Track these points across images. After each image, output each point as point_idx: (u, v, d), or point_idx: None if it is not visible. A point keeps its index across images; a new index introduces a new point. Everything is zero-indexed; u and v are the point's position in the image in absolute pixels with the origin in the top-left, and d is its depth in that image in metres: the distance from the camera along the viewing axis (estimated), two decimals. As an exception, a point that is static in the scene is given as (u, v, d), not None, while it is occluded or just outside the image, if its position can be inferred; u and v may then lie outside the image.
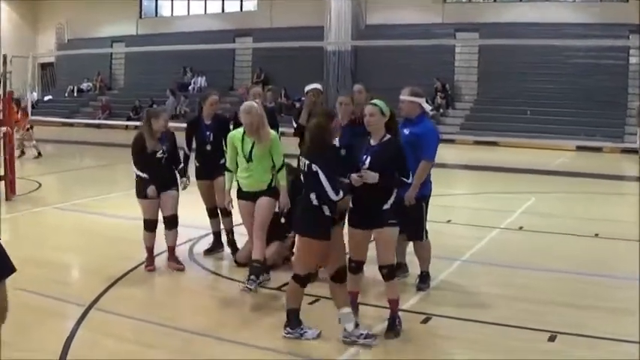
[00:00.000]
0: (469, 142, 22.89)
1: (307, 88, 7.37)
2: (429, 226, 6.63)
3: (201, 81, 31.26)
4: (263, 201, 6.45)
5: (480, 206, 11.79)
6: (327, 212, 5.01)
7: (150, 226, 7.14)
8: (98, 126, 29.58)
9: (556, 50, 24.85)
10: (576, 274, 7.31)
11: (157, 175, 7.01)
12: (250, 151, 6.37)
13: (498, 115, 24.38)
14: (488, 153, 20.88)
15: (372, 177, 5.08)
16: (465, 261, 7.77)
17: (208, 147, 7.50)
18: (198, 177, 7.70)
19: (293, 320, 5.30)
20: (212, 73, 31.05)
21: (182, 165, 7.34)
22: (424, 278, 6.65)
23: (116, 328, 5.48)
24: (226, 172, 6.61)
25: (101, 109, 31.23)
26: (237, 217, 6.92)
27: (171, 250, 7.25)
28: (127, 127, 27.52)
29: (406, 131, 6.20)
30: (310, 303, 6.19)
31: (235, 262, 7.31)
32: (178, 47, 27.30)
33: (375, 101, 5.34)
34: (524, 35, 24.23)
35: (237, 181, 6.52)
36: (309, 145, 5.20)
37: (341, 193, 5.01)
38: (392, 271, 5.32)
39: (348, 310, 5.21)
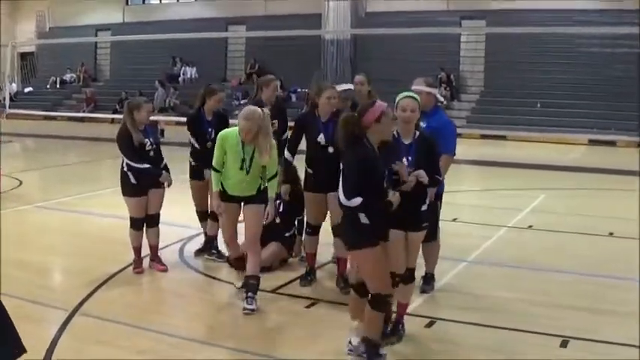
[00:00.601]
0: (475, 136, 22.90)
1: (340, 88, 6.83)
2: (434, 225, 6.63)
3: (191, 72, 31.24)
4: (253, 209, 6.12)
5: (487, 204, 11.80)
6: (363, 220, 4.64)
7: (137, 224, 7.14)
8: (82, 119, 29.52)
9: (567, 38, 24.84)
10: (589, 275, 7.32)
11: (153, 166, 7.06)
12: (251, 160, 6.04)
13: (506, 108, 24.40)
14: (496, 147, 20.90)
15: (424, 177, 4.93)
16: (471, 262, 7.78)
17: (209, 144, 7.28)
18: (192, 176, 7.64)
19: (373, 356, 4.86)
20: (203, 63, 31.02)
21: (164, 162, 7.24)
22: (428, 280, 6.65)
23: (102, 333, 5.46)
24: (213, 173, 6.17)
25: (85, 102, 31.18)
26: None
27: (154, 249, 7.28)
28: (112, 120, 27.43)
29: (423, 124, 5.87)
30: (307, 306, 6.19)
31: (228, 262, 7.32)
32: (167, 36, 27.29)
33: (411, 93, 5.21)
34: (533, 23, 24.26)
35: (222, 182, 6.15)
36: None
37: (357, 199, 4.59)
38: (413, 274, 5.31)
39: (359, 324, 5.05)
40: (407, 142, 5.10)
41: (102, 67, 35.18)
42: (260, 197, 6.15)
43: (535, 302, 6.36)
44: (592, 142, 21.80)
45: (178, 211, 8.61)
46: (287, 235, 7.51)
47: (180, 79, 31.31)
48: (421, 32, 24.29)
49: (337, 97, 6.52)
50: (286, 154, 6.71)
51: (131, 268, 7.15)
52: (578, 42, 25.10)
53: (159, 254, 7.34)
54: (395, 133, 5.03)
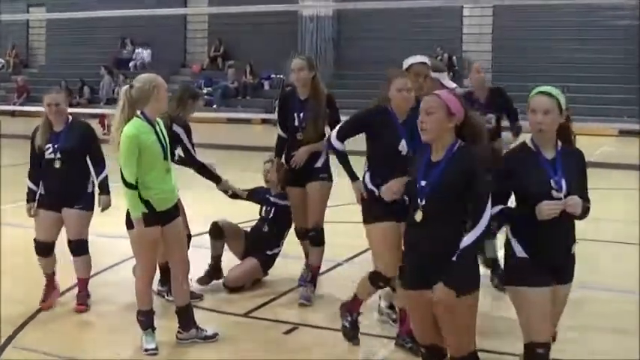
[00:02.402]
0: (483, 128, 22.92)
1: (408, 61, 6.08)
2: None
3: (144, 55, 31.13)
4: (179, 225, 6.02)
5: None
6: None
7: (40, 249, 6.86)
8: (13, 113, 29.29)
9: (592, 10, 24.99)
10: (623, 292, 7.33)
11: (49, 184, 6.71)
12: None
13: (519, 94, 24.12)
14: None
15: (577, 206, 4.32)
16: (482, 276, 7.76)
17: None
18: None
19: None
20: (158, 45, 30.95)
21: (104, 175, 6.81)
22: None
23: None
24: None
25: (16, 92, 31.01)
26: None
27: (81, 283, 6.94)
28: (50, 115, 27.31)
29: None
30: (286, 332, 6.18)
31: (224, 285, 7.35)
32: (115, 13, 27.14)
33: (544, 88, 4.49)
34: (550, -8, 24.36)
35: (148, 200, 5.69)
36: None
37: None
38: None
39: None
40: (549, 156, 4.45)
41: (36, 51, 35.01)
42: (177, 208, 6.02)
43: (560, 324, 6.36)
44: (622, 133, 21.89)
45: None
46: (269, 253, 7.55)
47: (130, 64, 31.20)
48: (416, 5, 24.33)
49: (409, 88, 5.65)
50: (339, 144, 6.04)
51: (76, 291, 7.07)
52: (605, 14, 25.21)
53: (87, 289, 6.96)
54: (530, 143, 4.48)
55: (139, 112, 5.67)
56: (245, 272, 7.36)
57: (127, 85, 5.76)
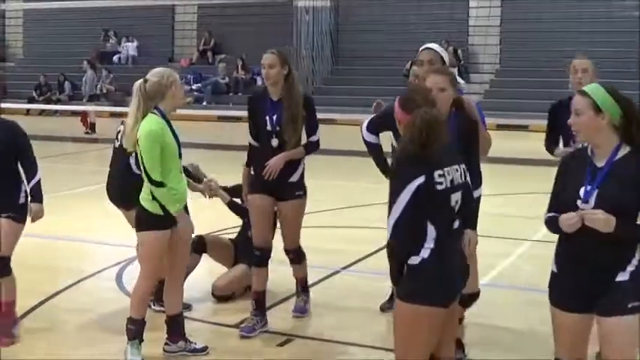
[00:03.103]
0: (489, 126, 22.91)
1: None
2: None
3: (129, 49, 31.10)
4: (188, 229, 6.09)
5: (505, 212, 11.82)
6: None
7: None
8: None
9: (607, 1, 24.94)
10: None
11: None
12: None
13: (528, 90, 24.50)
14: (516, 140, 20.95)
15: (605, 222, 3.97)
16: (486, 285, 7.78)
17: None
18: None
19: None
20: (144, 38, 30.92)
21: (36, 181, 6.24)
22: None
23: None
24: None
25: (-7, 89, 30.99)
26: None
27: (5, 309, 6.33)
28: (28, 111, 27.30)
29: None
30: (280, 344, 6.21)
31: (213, 294, 7.34)
32: (99, 3, 27.16)
33: (587, 87, 4.21)
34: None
35: (162, 201, 5.69)
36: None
37: None
38: None
39: None
40: (600, 163, 4.13)
41: (13, 44, 34.91)
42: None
43: None
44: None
45: (114, 224, 8.56)
46: None
47: (115, 58, 31.17)
48: (420, -4, 24.45)
49: (441, 87, 5.35)
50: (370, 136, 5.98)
51: (53, 301, 7.07)
52: (621, 4, 25.23)
53: (12, 318, 6.36)
54: (588, 148, 4.23)
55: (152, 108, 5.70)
56: (234, 278, 7.32)
57: (141, 80, 5.74)
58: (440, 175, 4.15)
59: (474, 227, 5.17)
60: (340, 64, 28.41)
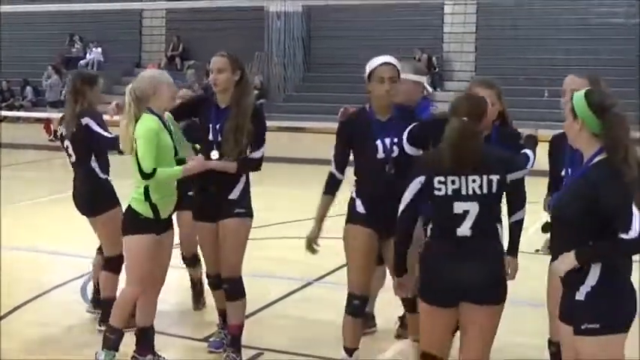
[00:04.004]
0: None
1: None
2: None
3: (95, 54, 30.97)
4: (173, 236, 6.08)
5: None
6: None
7: None
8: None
9: (589, 6, 25.14)
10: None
11: None
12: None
13: (507, 99, 24.51)
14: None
15: (563, 266, 4.13)
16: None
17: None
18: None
19: None
20: (110, 43, 30.82)
21: None
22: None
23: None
24: None
25: (-47, 95, 30.74)
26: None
27: None
28: (-10, 119, 27.15)
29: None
30: (251, 359, 6.18)
31: (183, 258, 7.23)
32: (63, 7, 26.97)
33: (575, 93, 4.28)
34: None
35: (155, 204, 5.70)
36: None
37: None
38: None
39: None
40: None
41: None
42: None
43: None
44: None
45: (79, 234, 8.50)
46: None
47: (81, 63, 31.03)
48: (393, 2, 24.45)
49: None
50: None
51: (15, 314, 6.98)
52: (603, 10, 25.38)
53: None
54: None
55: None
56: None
57: (131, 85, 5.71)
58: (440, 182, 4.42)
59: (512, 254, 5.25)
60: (312, 70, 28.46)
